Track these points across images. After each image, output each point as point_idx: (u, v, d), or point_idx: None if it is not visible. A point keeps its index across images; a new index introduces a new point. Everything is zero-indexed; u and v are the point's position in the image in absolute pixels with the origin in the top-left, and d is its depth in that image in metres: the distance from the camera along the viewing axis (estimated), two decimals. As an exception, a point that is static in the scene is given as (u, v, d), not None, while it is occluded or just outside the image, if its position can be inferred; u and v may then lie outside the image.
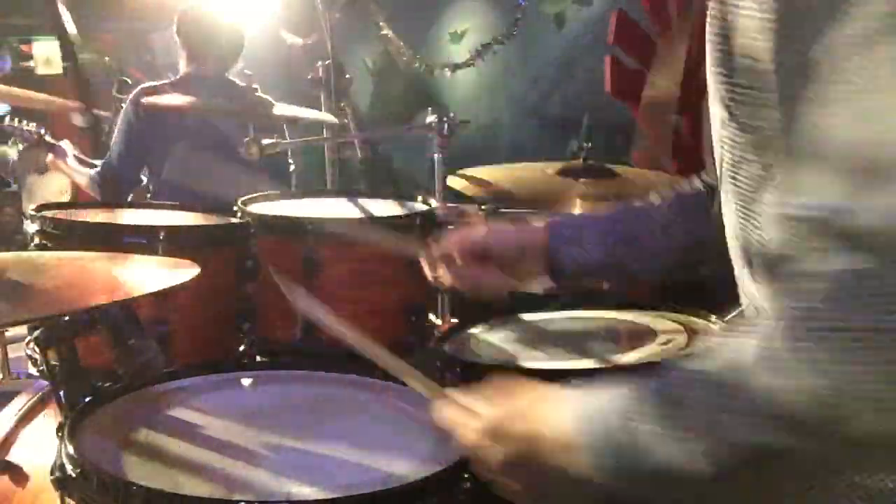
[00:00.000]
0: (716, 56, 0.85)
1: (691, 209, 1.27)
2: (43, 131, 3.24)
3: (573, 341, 1.65)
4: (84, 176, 3.13)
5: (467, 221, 1.41)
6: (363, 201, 2.11)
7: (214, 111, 2.75)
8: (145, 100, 2.81)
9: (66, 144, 3.23)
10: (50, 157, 3.23)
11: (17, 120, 3.42)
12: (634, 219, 1.31)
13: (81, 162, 3.23)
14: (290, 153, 3.25)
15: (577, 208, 1.69)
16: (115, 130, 3.04)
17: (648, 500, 0.81)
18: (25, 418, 1.76)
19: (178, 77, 3.15)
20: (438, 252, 1.35)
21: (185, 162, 3.00)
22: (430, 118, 1.98)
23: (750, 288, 0.88)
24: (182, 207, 2.10)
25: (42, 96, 3.38)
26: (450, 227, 1.91)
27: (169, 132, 2.95)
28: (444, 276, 1.34)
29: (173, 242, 1.66)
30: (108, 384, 1.34)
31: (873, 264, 0.63)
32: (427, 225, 1.87)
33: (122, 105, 2.99)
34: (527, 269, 1.32)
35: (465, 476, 0.98)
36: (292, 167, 3.23)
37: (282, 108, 2.53)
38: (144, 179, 3.03)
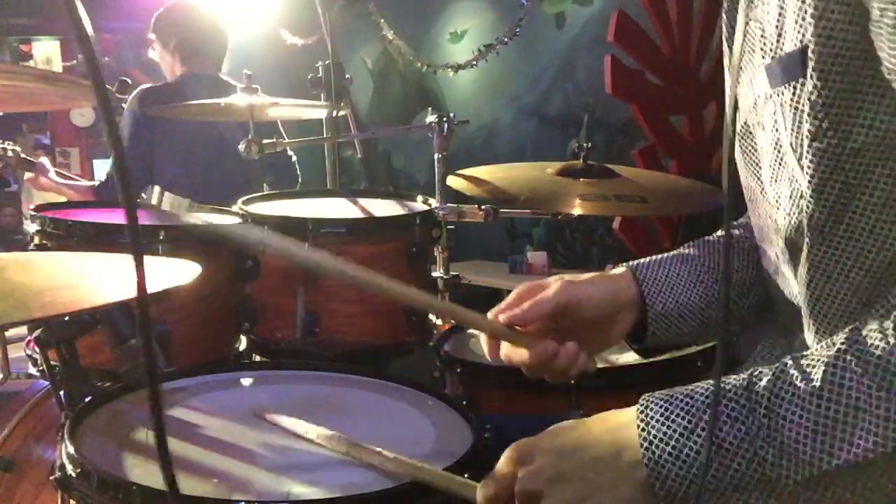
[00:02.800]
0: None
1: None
2: (20, 150, 3.18)
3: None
4: (72, 189, 3.11)
5: (537, 284, 1.08)
6: (363, 201, 2.11)
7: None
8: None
9: (45, 161, 3.19)
10: (28, 175, 3.18)
11: None
12: (717, 251, 1.14)
13: (65, 178, 3.21)
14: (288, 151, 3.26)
15: (578, 209, 1.69)
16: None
17: None
18: (25, 418, 1.76)
19: (174, 79, 3.15)
20: (499, 320, 1.05)
21: (184, 162, 3.00)
22: (430, 118, 1.98)
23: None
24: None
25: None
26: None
27: (171, 132, 2.95)
28: (514, 354, 1.05)
29: (173, 242, 1.66)
30: (108, 384, 1.34)
31: None
32: (427, 225, 1.87)
33: (123, 105, 2.99)
34: (616, 331, 1.10)
35: (465, 476, 0.98)
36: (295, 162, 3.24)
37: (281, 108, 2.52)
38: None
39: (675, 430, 0.78)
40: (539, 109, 5.31)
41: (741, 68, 0.95)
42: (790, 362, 0.78)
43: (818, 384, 0.74)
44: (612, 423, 0.84)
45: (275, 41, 6.27)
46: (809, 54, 0.77)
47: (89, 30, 0.44)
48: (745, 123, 0.96)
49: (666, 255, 1.14)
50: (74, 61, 7.01)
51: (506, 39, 5.21)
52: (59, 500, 1.10)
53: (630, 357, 1.53)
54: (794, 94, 0.80)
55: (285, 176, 3.24)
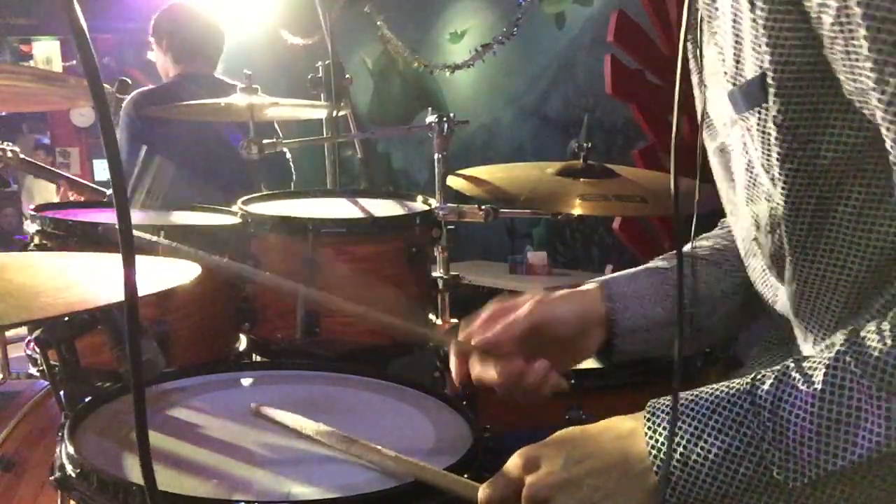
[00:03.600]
0: None
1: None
2: (19, 150, 3.17)
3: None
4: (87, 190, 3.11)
5: (509, 305, 1.10)
6: (363, 201, 2.11)
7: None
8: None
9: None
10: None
11: None
12: (695, 264, 1.14)
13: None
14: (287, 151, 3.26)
15: (578, 209, 1.69)
16: (118, 139, 3.04)
17: None
18: (25, 418, 1.76)
19: (169, 80, 3.15)
20: (470, 343, 1.08)
21: (182, 163, 3.00)
22: (430, 118, 1.98)
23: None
24: (182, 207, 2.10)
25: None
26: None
27: (168, 134, 2.95)
28: (484, 374, 1.07)
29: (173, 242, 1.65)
30: (108, 384, 1.34)
31: None
32: (427, 225, 1.87)
33: (122, 105, 2.99)
34: (586, 347, 1.12)
35: (465, 476, 0.98)
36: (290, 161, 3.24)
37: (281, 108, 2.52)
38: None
39: (682, 437, 0.79)
40: (539, 109, 5.31)
41: (707, 86, 0.98)
42: (792, 365, 0.78)
43: (819, 386, 0.74)
44: (619, 431, 0.84)
45: (275, 41, 6.27)
46: (769, 80, 0.78)
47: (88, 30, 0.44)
48: (721, 142, 0.98)
49: (639, 268, 1.17)
50: (74, 61, 7.01)
51: (503, 39, 5.21)
52: (59, 500, 1.10)
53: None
54: (759, 118, 0.82)
55: (280, 175, 3.24)
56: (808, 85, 0.77)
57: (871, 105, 0.72)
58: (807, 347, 0.92)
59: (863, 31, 0.68)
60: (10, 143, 3.15)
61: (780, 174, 0.82)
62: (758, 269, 1.02)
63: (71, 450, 0.97)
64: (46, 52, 7.43)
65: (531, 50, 5.24)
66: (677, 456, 0.78)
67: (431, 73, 5.73)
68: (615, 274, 1.16)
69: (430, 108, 2.07)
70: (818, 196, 0.81)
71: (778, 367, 0.79)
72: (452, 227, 1.95)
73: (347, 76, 2.85)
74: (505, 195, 1.82)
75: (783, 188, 0.82)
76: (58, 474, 0.96)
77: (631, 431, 0.83)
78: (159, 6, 3.25)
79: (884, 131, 0.73)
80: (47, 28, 7.13)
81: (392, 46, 5.90)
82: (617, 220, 3.94)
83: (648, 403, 0.84)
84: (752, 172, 0.88)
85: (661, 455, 0.79)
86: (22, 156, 3.15)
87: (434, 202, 1.95)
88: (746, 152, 0.88)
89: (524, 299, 1.10)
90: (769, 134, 0.81)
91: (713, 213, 1.14)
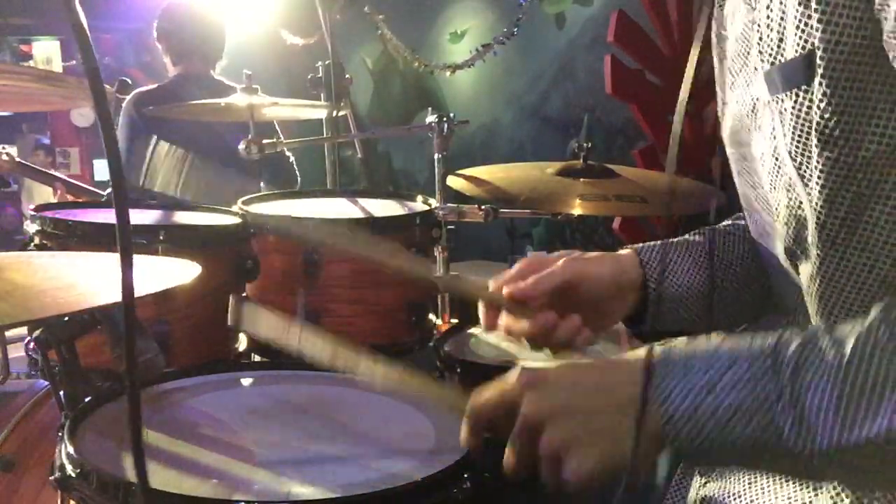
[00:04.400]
0: None
1: None
2: (15, 154, 3.16)
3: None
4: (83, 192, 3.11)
5: (542, 259, 1.10)
6: (363, 201, 2.11)
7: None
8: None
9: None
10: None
11: None
12: (724, 238, 1.12)
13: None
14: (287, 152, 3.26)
15: (578, 209, 1.69)
16: (119, 139, 3.03)
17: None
18: (25, 418, 1.76)
19: (168, 80, 3.15)
20: (501, 293, 1.08)
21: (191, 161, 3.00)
22: (430, 118, 1.98)
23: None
24: (182, 207, 2.10)
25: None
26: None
27: (167, 134, 2.95)
28: (515, 325, 1.07)
29: (173, 242, 1.65)
30: (108, 384, 1.34)
31: None
32: (427, 225, 1.87)
33: (123, 105, 2.99)
34: (617, 311, 1.10)
35: (465, 476, 0.98)
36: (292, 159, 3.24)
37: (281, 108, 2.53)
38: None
39: (692, 388, 0.76)
40: (539, 109, 5.31)
41: (734, 73, 0.94)
42: (823, 329, 0.75)
43: (847, 355, 0.72)
44: (629, 370, 0.81)
45: (275, 41, 6.27)
46: (817, 60, 0.75)
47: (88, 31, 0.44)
48: (739, 128, 0.95)
49: (672, 240, 1.14)
50: (74, 61, 7.02)
51: (503, 39, 5.21)
52: (59, 500, 1.10)
53: (630, 357, 1.52)
54: (795, 101, 0.79)
55: (283, 178, 3.24)
56: (858, 69, 0.74)
57: None
58: None
59: None
60: (6, 147, 3.15)
61: (817, 163, 0.78)
62: (770, 257, 0.99)
63: (71, 450, 0.97)
64: (46, 52, 7.43)
65: (531, 50, 5.24)
66: (685, 405, 0.76)
67: (432, 73, 5.73)
68: (647, 243, 1.14)
69: (430, 108, 2.07)
70: (855, 191, 0.78)
71: (807, 331, 0.76)
72: (452, 227, 1.95)
73: (347, 76, 2.85)
74: (505, 195, 1.82)
75: (819, 178, 0.79)
76: (58, 474, 0.96)
77: (642, 373, 0.79)
78: (159, 6, 3.26)
79: None
80: (47, 28, 7.13)
81: (392, 46, 5.90)
82: (617, 220, 3.94)
83: (662, 349, 0.81)
84: (777, 159, 0.85)
85: (669, 403, 0.77)
86: (18, 159, 3.15)
87: (434, 202, 1.95)
88: (774, 136, 0.84)
89: (557, 255, 1.09)
90: (808, 118, 0.78)
91: (709, 213, 1.14)
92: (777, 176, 0.86)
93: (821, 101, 0.76)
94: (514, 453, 0.83)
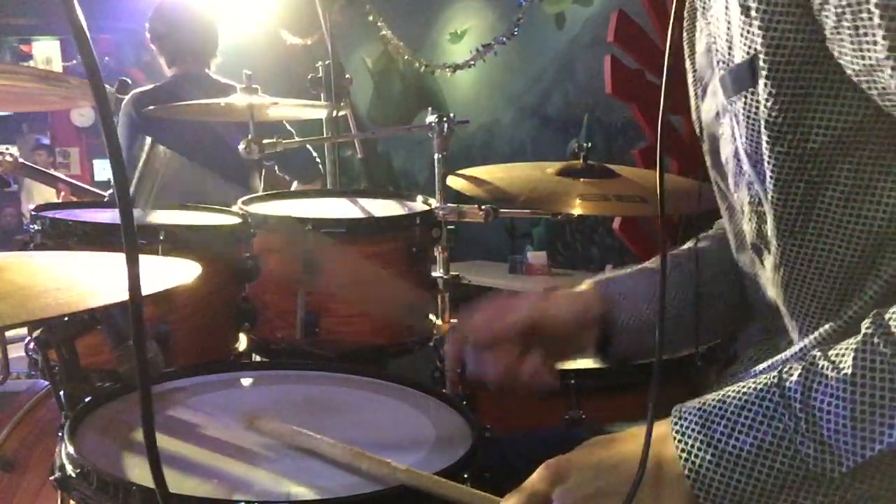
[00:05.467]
0: None
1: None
2: (18, 154, 3.16)
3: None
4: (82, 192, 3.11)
5: (507, 302, 1.14)
6: (363, 201, 2.11)
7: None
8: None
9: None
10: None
11: None
12: (686, 264, 1.14)
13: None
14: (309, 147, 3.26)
15: (578, 209, 1.69)
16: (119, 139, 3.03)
17: None
18: (25, 418, 1.76)
19: (167, 80, 3.16)
20: (465, 340, 1.12)
21: (183, 164, 3.00)
22: (430, 118, 1.98)
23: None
24: (182, 207, 2.10)
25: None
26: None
27: (167, 134, 2.95)
28: (480, 367, 1.10)
29: (173, 242, 1.65)
30: (108, 384, 1.34)
31: None
32: (427, 225, 1.87)
33: (122, 105, 2.99)
34: (581, 346, 1.15)
35: (465, 476, 0.98)
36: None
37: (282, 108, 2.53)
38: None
39: (713, 437, 0.78)
40: (539, 109, 5.31)
41: (703, 84, 0.99)
42: (819, 354, 0.78)
43: (850, 371, 0.73)
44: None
45: (275, 41, 6.27)
46: (760, 63, 0.80)
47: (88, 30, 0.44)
48: (711, 135, 1.00)
49: (632, 268, 1.19)
50: (74, 61, 7.02)
51: (503, 39, 5.21)
52: (59, 500, 1.10)
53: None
54: (745, 102, 0.83)
55: (308, 173, 3.21)
56: (799, 68, 0.78)
57: (883, 78, 0.71)
58: (795, 337, 0.92)
59: (873, 2, 0.68)
60: (9, 147, 3.15)
61: (769, 157, 0.83)
62: (746, 262, 1.02)
63: (71, 450, 0.97)
64: (46, 52, 7.43)
65: (531, 50, 5.24)
66: (709, 457, 0.77)
67: (432, 73, 5.73)
68: (611, 273, 1.18)
69: (430, 108, 2.07)
70: (807, 180, 0.82)
71: (805, 358, 0.78)
72: (452, 227, 1.95)
73: (347, 76, 2.85)
74: (505, 195, 1.82)
75: (772, 172, 0.83)
76: (58, 474, 0.96)
77: (662, 437, 0.81)
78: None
79: None
80: (47, 28, 7.13)
81: (392, 46, 5.90)
82: (617, 220, 3.94)
83: (675, 408, 0.83)
84: (738, 160, 0.90)
85: (693, 458, 0.78)
86: (21, 160, 3.15)
87: (434, 202, 1.95)
88: (734, 138, 0.89)
89: (523, 296, 1.13)
90: (757, 117, 0.82)
91: (710, 213, 1.14)
92: (739, 176, 0.91)
93: (766, 100, 0.81)
94: None
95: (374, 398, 1.27)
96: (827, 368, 0.75)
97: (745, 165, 0.87)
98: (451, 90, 5.83)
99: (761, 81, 0.80)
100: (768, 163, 0.83)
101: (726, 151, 0.94)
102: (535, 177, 1.90)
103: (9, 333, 1.85)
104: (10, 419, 1.75)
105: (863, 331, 0.76)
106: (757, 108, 0.82)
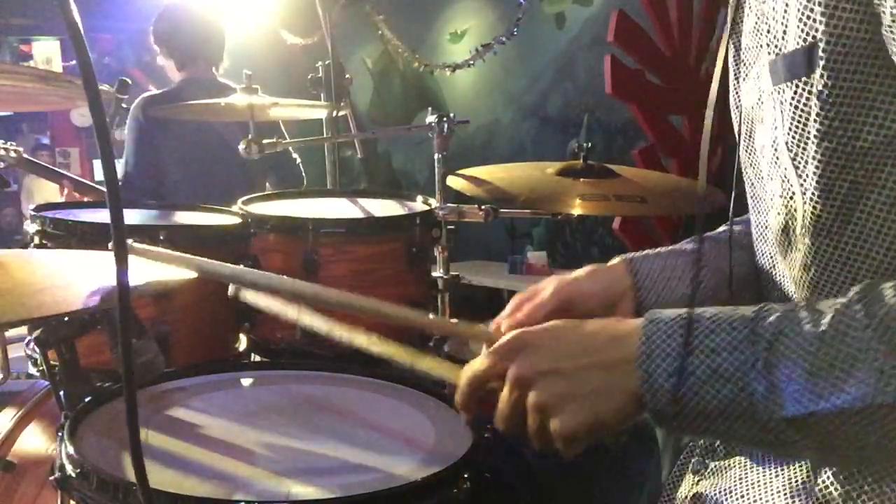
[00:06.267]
0: None
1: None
2: (22, 150, 3.15)
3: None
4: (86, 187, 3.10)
5: (534, 289, 1.11)
6: (363, 201, 2.11)
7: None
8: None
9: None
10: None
11: None
12: (719, 245, 1.13)
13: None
14: (293, 154, 3.27)
15: (578, 209, 1.69)
16: (125, 144, 3.04)
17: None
18: (25, 418, 1.76)
19: (175, 84, 3.15)
20: (500, 332, 1.04)
21: (187, 167, 3.00)
22: (430, 118, 1.98)
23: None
24: (182, 207, 2.10)
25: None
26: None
27: (173, 137, 2.95)
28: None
29: (173, 242, 1.65)
30: (108, 384, 1.34)
31: None
32: (427, 225, 1.87)
33: (123, 105, 2.99)
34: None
35: (465, 476, 0.98)
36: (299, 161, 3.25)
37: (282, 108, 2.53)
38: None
39: (672, 350, 0.78)
40: (539, 109, 5.31)
41: (747, 65, 0.96)
42: (803, 304, 0.77)
43: (824, 328, 0.73)
44: (615, 332, 0.84)
45: (275, 41, 6.27)
46: (819, 52, 0.77)
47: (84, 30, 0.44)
48: (748, 119, 0.97)
49: (662, 248, 1.16)
50: (74, 61, 7.01)
51: (503, 39, 5.22)
52: (59, 500, 1.10)
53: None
54: (795, 92, 0.80)
55: (289, 178, 3.24)
56: (859, 61, 0.75)
57: None
58: None
59: None
60: (14, 143, 3.15)
61: (815, 152, 0.80)
62: (768, 254, 1.00)
63: (71, 450, 0.97)
64: (46, 52, 7.43)
65: (531, 50, 5.24)
66: (664, 365, 0.78)
67: (432, 72, 5.73)
68: (637, 253, 1.15)
69: (430, 108, 2.07)
70: (852, 180, 0.79)
71: (789, 304, 0.78)
72: (452, 227, 1.95)
73: (347, 76, 2.85)
74: (505, 195, 1.82)
75: (816, 167, 0.80)
76: (58, 474, 0.96)
77: (626, 334, 0.82)
78: (159, 6, 3.25)
79: None
80: (47, 28, 7.13)
81: (392, 46, 5.90)
82: (617, 220, 3.94)
83: (649, 311, 0.83)
84: (775, 149, 0.87)
85: (650, 362, 0.78)
86: (25, 156, 3.15)
87: (434, 202, 1.95)
88: (775, 127, 0.86)
89: (547, 282, 1.10)
90: (805, 109, 0.80)
91: (711, 213, 1.14)
92: (774, 166, 0.88)
93: (821, 92, 0.78)
94: (504, 413, 0.87)
95: (374, 398, 1.27)
96: (804, 319, 0.75)
97: (783, 157, 0.84)
98: (451, 90, 5.83)
99: (818, 71, 0.77)
100: (813, 158, 0.80)
101: (764, 139, 0.90)
102: (535, 177, 1.90)
103: (9, 333, 1.85)
104: (11, 419, 1.75)
105: (850, 293, 0.75)
106: (808, 99, 0.79)
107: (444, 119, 1.97)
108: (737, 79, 1.01)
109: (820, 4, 0.76)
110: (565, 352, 0.83)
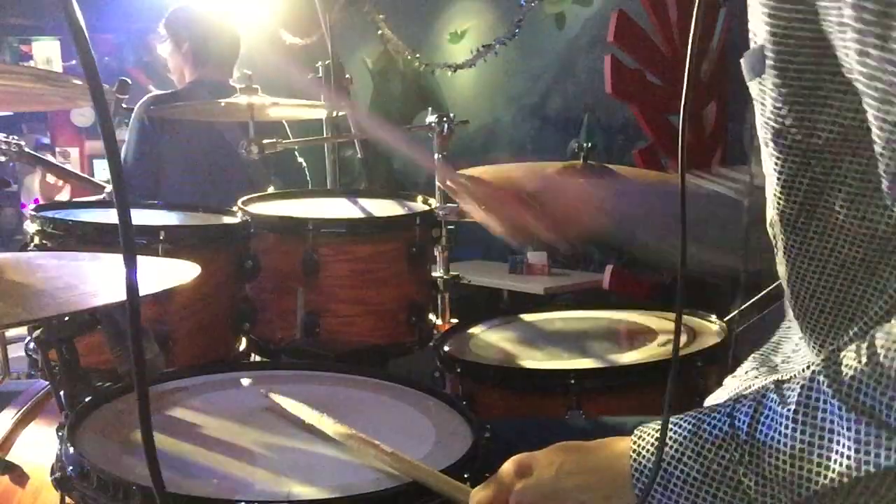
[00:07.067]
0: None
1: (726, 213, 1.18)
2: (24, 143, 3.15)
3: (573, 341, 1.66)
4: (81, 183, 3.10)
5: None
6: (363, 201, 2.11)
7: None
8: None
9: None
10: (40, 179, 3.14)
11: None
12: (665, 195, 1.23)
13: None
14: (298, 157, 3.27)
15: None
16: (126, 142, 3.03)
17: None
18: (25, 418, 1.76)
19: (184, 86, 3.14)
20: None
21: (189, 169, 3.00)
22: (430, 118, 1.98)
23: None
24: (182, 207, 2.10)
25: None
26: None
27: (176, 139, 2.95)
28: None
29: (173, 242, 1.65)
30: (108, 384, 1.34)
31: None
32: (427, 225, 1.87)
33: (123, 105, 2.99)
34: (582, 228, 1.23)
35: (466, 476, 0.98)
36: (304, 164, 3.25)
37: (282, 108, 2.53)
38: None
39: (664, 460, 0.79)
40: (539, 109, 5.31)
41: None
42: (772, 386, 0.77)
43: (793, 407, 0.73)
44: (611, 451, 0.85)
45: (275, 41, 6.27)
46: (767, 52, 0.77)
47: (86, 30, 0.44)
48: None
49: (646, 183, 1.31)
50: (74, 61, 7.00)
51: (504, 40, 5.21)
52: (59, 500, 1.10)
53: (630, 357, 1.53)
54: (758, 91, 0.81)
55: (294, 181, 3.23)
56: (807, 60, 0.75)
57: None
58: (804, 336, 0.91)
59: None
60: (16, 137, 3.15)
61: (773, 150, 0.80)
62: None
63: (71, 450, 0.97)
64: (46, 52, 7.42)
65: (531, 50, 5.24)
66: (658, 479, 0.79)
67: (432, 72, 5.73)
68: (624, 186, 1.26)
69: (430, 108, 2.07)
70: (811, 177, 0.79)
71: (760, 388, 0.79)
72: (452, 227, 1.95)
73: (347, 76, 2.85)
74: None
75: (776, 165, 0.81)
76: (58, 474, 0.96)
77: (621, 454, 0.83)
78: (160, 6, 3.24)
79: (871, 118, 0.70)
80: (47, 28, 7.13)
81: (392, 46, 5.90)
82: (617, 221, 3.93)
83: (637, 428, 0.84)
84: (763, 144, 0.87)
85: (644, 477, 0.80)
86: (27, 149, 3.14)
87: (434, 202, 1.95)
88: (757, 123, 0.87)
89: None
90: (764, 107, 0.80)
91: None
92: (765, 160, 0.88)
93: (772, 90, 0.78)
94: None
95: (374, 398, 1.27)
96: (774, 401, 0.75)
97: (766, 150, 0.85)
98: (451, 90, 5.82)
99: (768, 71, 0.77)
100: (772, 156, 0.81)
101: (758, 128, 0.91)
102: (535, 177, 1.90)
103: (9, 333, 1.85)
104: (11, 419, 1.75)
105: (812, 367, 0.75)
106: (765, 98, 0.80)
107: (444, 119, 1.97)
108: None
109: (766, 5, 0.76)
110: (566, 470, 0.84)
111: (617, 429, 1.20)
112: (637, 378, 1.47)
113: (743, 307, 1.91)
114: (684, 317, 1.61)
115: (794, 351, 0.96)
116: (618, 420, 1.25)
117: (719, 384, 1.10)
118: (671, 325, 1.59)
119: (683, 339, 1.56)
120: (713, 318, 1.68)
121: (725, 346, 1.48)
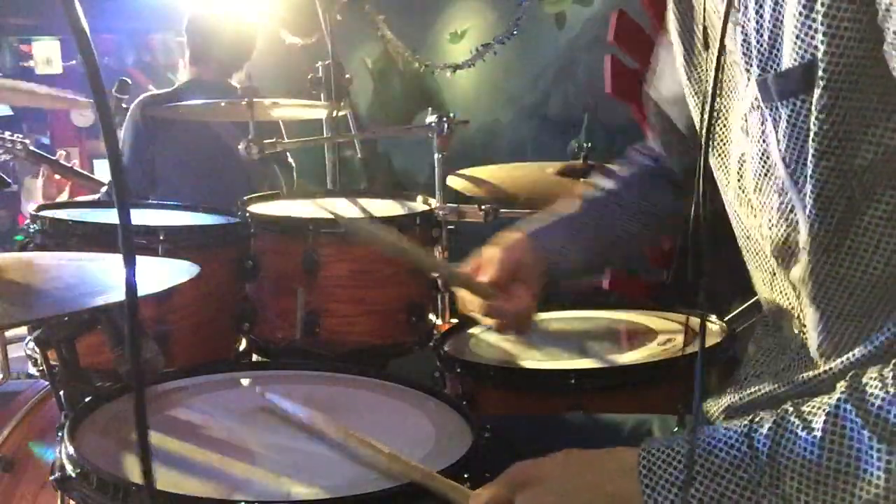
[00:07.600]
0: None
1: (657, 182, 1.35)
2: (28, 142, 3.15)
3: (573, 341, 1.65)
4: (84, 181, 3.10)
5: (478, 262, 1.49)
6: (363, 201, 2.11)
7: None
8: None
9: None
10: (41, 178, 3.14)
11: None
12: (602, 210, 1.36)
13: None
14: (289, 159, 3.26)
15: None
16: (122, 141, 3.03)
17: None
18: (25, 418, 1.76)
19: (179, 84, 3.14)
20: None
21: (185, 168, 3.00)
22: (430, 118, 1.99)
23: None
24: (182, 207, 2.10)
25: (46, 90, 3.24)
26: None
27: (171, 139, 2.95)
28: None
29: (173, 242, 1.66)
30: (108, 384, 1.34)
31: None
32: (427, 225, 1.87)
33: (123, 105, 2.99)
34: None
35: (466, 476, 0.98)
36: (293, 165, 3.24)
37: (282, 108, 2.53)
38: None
39: (678, 478, 0.78)
40: (539, 109, 5.31)
41: (722, 68, 0.95)
42: (791, 409, 0.77)
43: (819, 434, 0.73)
44: (615, 466, 0.83)
45: (275, 41, 6.27)
46: (819, 72, 0.76)
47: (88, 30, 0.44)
48: (721, 128, 0.97)
49: (554, 218, 1.40)
50: (74, 61, 7.01)
51: (503, 39, 5.21)
52: (59, 500, 1.10)
53: (630, 357, 1.53)
54: (792, 110, 0.79)
55: (286, 181, 3.23)
56: (859, 80, 0.74)
57: None
58: (812, 349, 0.91)
59: None
60: (20, 135, 3.15)
61: (813, 171, 0.79)
62: (753, 262, 1.01)
63: (71, 450, 0.97)
64: (46, 52, 7.41)
65: (531, 50, 5.24)
66: (672, 496, 0.77)
67: (432, 73, 5.73)
68: (536, 226, 1.37)
69: (430, 108, 2.07)
70: (849, 197, 0.79)
71: (777, 411, 0.78)
72: (452, 227, 1.95)
73: (347, 76, 2.85)
74: (505, 195, 1.82)
75: (814, 186, 0.79)
76: (58, 474, 0.96)
77: (627, 470, 0.81)
78: (160, 6, 3.24)
79: None
80: (47, 28, 7.12)
81: (392, 46, 5.90)
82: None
83: (644, 443, 0.82)
84: (765, 162, 0.86)
85: (656, 496, 0.78)
86: (31, 147, 3.15)
87: (434, 202, 1.95)
88: (765, 141, 0.85)
89: (489, 257, 1.41)
90: (805, 127, 0.78)
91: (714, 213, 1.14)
92: (765, 179, 0.87)
93: (820, 111, 0.77)
94: None
95: (374, 398, 1.27)
96: (797, 426, 0.75)
97: (780, 171, 0.83)
98: (451, 90, 5.82)
99: (817, 91, 0.76)
100: (811, 176, 0.79)
101: (748, 150, 0.89)
102: (535, 177, 1.90)
103: (9, 333, 1.85)
104: (11, 419, 1.75)
105: (837, 392, 0.75)
106: (807, 117, 0.78)
107: (444, 119, 1.97)
108: (703, 82, 1.03)
109: (823, 24, 0.74)
110: (568, 488, 0.83)
111: (617, 428, 1.21)
112: (637, 378, 1.47)
113: (743, 307, 1.91)
114: (684, 316, 1.62)
115: (794, 359, 0.96)
116: (618, 418, 1.25)
117: (719, 384, 1.10)
118: (671, 325, 1.59)
119: (684, 339, 1.55)
120: (713, 318, 1.67)
121: (724, 346, 1.48)
